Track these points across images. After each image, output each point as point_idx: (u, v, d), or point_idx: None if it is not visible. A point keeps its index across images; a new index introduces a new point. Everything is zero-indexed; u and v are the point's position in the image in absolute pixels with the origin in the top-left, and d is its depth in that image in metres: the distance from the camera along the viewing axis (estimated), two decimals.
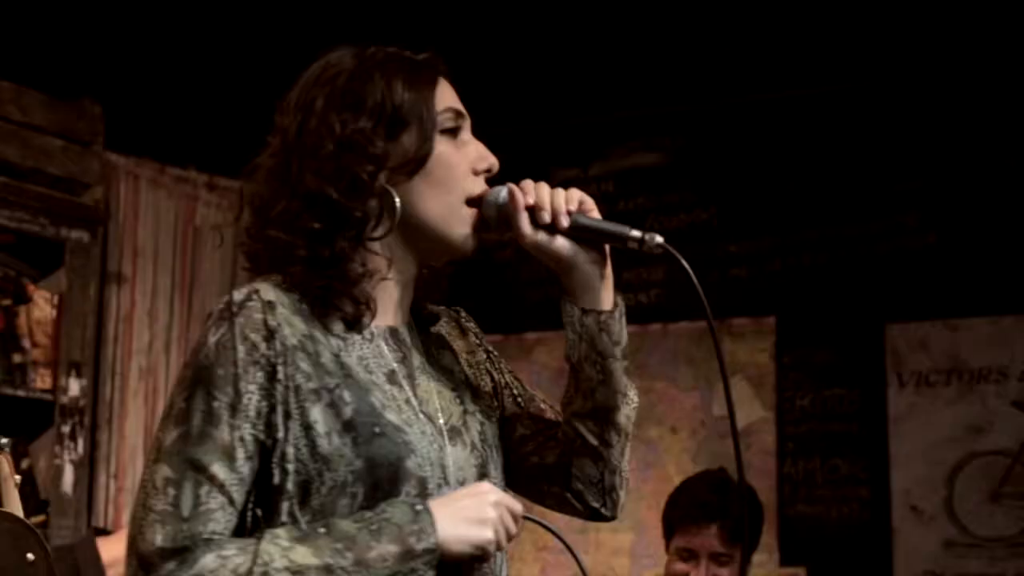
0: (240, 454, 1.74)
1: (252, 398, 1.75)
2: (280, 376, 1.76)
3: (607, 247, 1.90)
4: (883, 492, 4.69)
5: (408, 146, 1.86)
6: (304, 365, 1.78)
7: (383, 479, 1.78)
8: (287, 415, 1.76)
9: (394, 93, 1.85)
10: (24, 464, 4.56)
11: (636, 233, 1.83)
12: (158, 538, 1.68)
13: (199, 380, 1.75)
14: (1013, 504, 4.54)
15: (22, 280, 4.64)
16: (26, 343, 4.60)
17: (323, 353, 1.80)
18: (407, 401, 1.86)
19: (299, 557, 1.68)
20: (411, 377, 1.90)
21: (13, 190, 4.57)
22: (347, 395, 1.79)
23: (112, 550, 3.62)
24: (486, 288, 5.49)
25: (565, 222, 1.86)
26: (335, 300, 1.83)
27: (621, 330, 1.93)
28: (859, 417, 4.78)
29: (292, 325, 1.79)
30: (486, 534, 1.78)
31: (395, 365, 1.89)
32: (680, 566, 3.48)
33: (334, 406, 1.77)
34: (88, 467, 4.74)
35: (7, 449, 2.99)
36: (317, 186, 1.83)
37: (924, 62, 4.79)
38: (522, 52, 5.03)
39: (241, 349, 1.75)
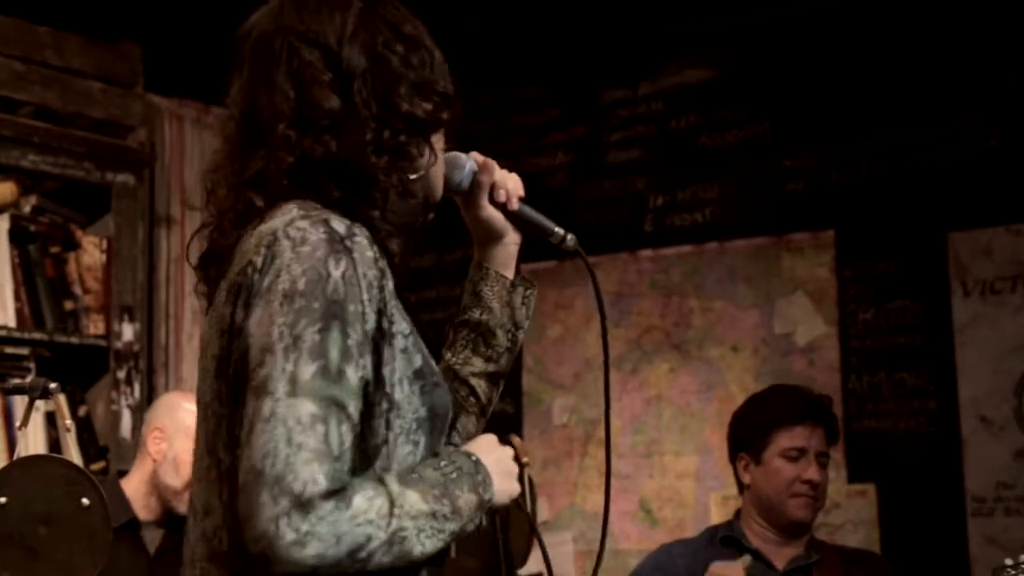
0: (362, 394, 1.72)
1: (369, 341, 1.74)
2: (384, 321, 1.76)
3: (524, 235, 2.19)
4: (951, 404, 4.61)
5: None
6: (395, 310, 1.79)
7: (439, 429, 1.83)
8: (387, 359, 1.77)
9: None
10: (82, 411, 4.57)
11: (559, 231, 2.17)
12: (320, 477, 1.61)
13: (332, 315, 1.68)
14: None
15: (70, 226, 4.63)
16: (77, 289, 4.60)
17: (398, 296, 1.81)
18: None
19: (412, 502, 1.69)
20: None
21: (56, 136, 4.55)
22: (416, 342, 1.83)
23: (129, 488, 3.70)
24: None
25: (515, 205, 2.14)
26: (391, 239, 1.85)
27: (532, 309, 2.22)
28: (924, 328, 4.69)
29: (386, 264, 1.80)
30: (518, 487, 1.88)
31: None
32: (790, 468, 3.41)
33: (407, 352, 1.80)
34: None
35: (57, 394, 2.98)
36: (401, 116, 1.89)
37: None
38: None
39: (363, 287, 1.72)
